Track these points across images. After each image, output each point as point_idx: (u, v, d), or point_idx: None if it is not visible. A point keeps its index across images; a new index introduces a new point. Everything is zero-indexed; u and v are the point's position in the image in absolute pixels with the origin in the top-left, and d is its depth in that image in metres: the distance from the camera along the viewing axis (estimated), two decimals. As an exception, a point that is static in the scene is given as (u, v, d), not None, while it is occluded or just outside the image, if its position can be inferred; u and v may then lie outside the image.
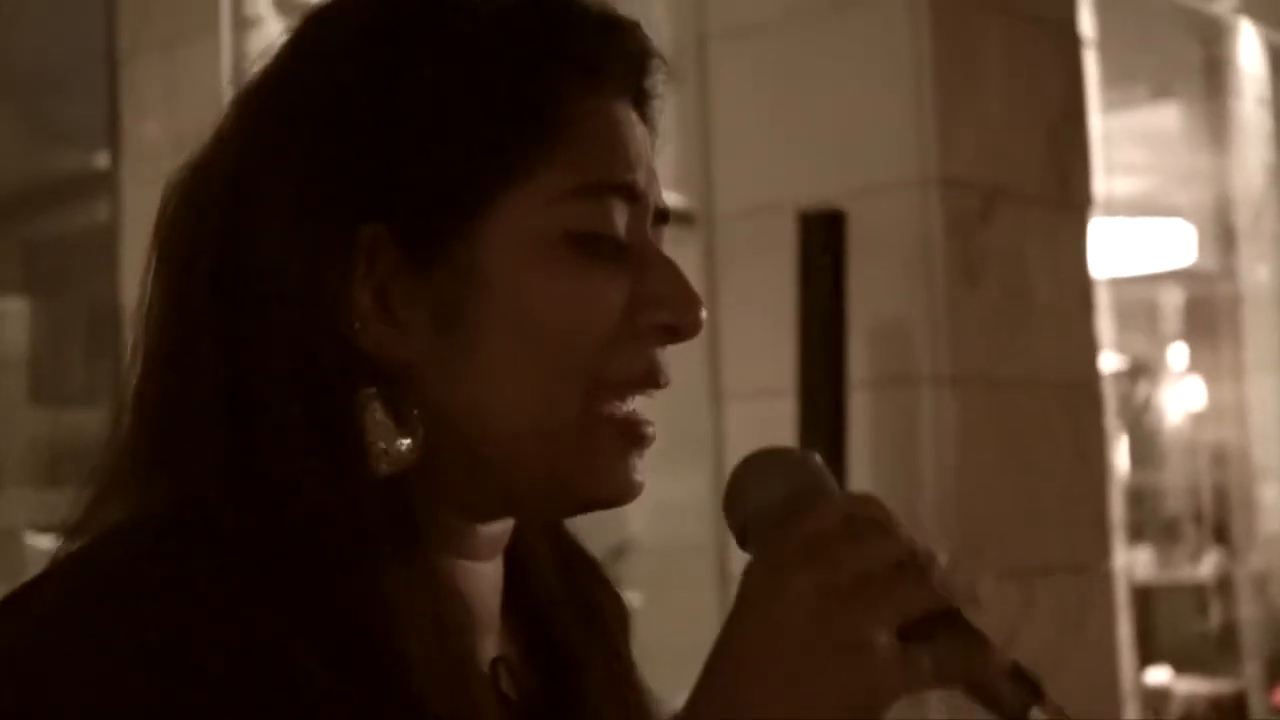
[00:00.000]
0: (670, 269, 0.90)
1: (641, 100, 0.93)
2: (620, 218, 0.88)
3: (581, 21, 0.90)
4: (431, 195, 0.85)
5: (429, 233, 0.85)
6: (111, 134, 4.18)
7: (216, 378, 0.84)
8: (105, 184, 4.26)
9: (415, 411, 0.85)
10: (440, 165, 0.85)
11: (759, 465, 0.85)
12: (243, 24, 3.79)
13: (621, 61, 0.91)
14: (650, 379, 0.89)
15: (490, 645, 0.92)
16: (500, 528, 0.93)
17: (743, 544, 0.83)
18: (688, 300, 0.89)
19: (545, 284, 0.86)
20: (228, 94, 3.71)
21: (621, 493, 0.89)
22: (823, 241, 3.30)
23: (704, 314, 0.89)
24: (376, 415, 0.83)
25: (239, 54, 3.82)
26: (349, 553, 0.80)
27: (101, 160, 4.31)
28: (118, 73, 4.15)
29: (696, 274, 3.64)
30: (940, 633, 0.76)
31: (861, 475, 3.24)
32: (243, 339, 0.84)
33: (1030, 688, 0.75)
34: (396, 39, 0.88)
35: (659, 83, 0.94)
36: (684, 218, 3.62)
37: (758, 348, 3.44)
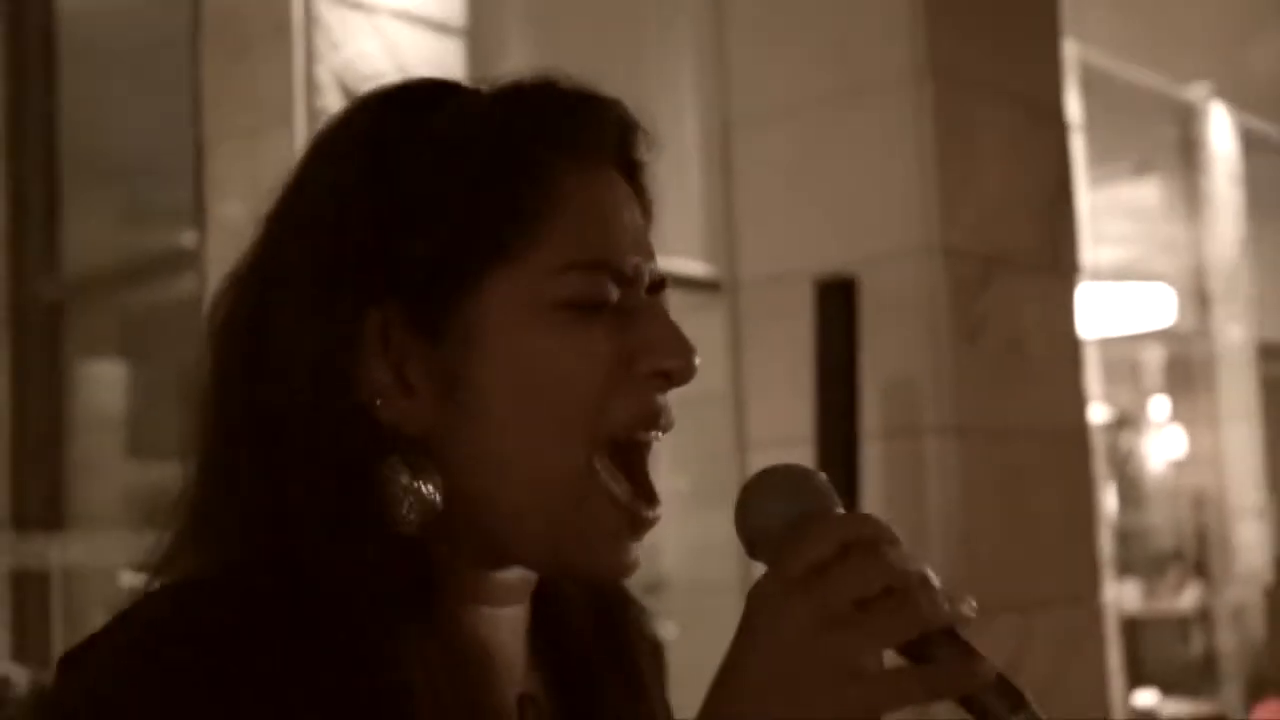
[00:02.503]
0: (661, 318, 0.88)
1: (630, 170, 0.91)
2: (610, 287, 0.86)
3: (563, 103, 0.89)
4: (429, 276, 0.84)
5: (431, 309, 0.85)
6: (197, 216, 4.21)
7: (252, 453, 0.84)
8: (192, 261, 4.28)
9: (435, 474, 0.84)
10: (435, 248, 0.85)
11: (768, 483, 0.83)
12: (315, 116, 3.81)
13: (605, 137, 0.90)
14: (650, 421, 0.87)
15: (516, 682, 0.90)
16: (519, 575, 0.91)
17: (752, 555, 0.82)
18: (680, 346, 0.86)
19: (537, 343, 0.85)
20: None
21: (616, 573, 0.88)
22: (837, 305, 3.29)
23: (697, 360, 0.87)
24: (402, 480, 0.83)
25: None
26: (369, 615, 0.80)
27: (189, 239, 4.33)
28: (203, 160, 4.18)
29: (723, 336, 3.65)
30: (933, 650, 0.75)
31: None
32: (273, 418, 0.84)
33: (1014, 698, 0.75)
34: (387, 141, 0.88)
35: (645, 153, 0.92)
36: (711, 285, 3.62)
37: (779, 401, 3.43)
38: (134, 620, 0.80)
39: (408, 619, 0.81)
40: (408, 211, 0.85)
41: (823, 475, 0.83)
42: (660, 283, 0.91)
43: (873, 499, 3.29)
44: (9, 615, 5.05)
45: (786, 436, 3.34)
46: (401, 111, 0.90)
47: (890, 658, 0.77)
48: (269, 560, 0.81)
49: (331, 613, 0.79)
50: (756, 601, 0.77)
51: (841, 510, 0.81)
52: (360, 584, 0.80)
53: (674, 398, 0.88)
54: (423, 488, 0.83)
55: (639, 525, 0.86)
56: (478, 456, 0.85)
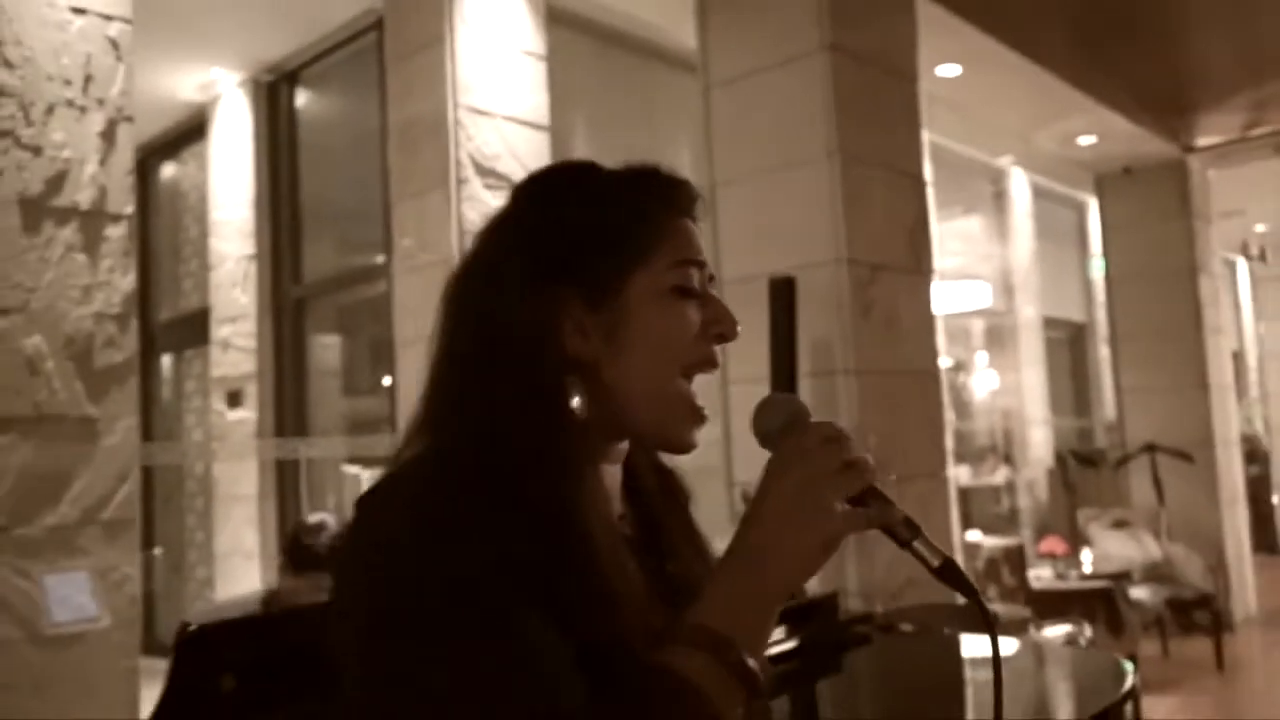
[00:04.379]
0: (721, 305, 0.90)
1: (695, 216, 0.93)
2: (695, 278, 0.88)
3: (664, 178, 0.91)
4: (598, 273, 0.86)
5: (598, 293, 0.86)
6: (385, 245, 4.24)
7: (478, 372, 0.84)
8: (382, 273, 4.31)
9: (594, 386, 0.85)
10: (601, 257, 0.86)
11: (771, 403, 0.84)
12: (459, 184, 3.84)
13: (685, 198, 0.92)
14: (713, 363, 0.89)
15: (617, 507, 0.91)
16: (622, 448, 0.91)
17: (762, 445, 0.82)
18: (731, 320, 0.89)
19: (658, 315, 0.86)
20: (451, 221, 3.77)
21: (688, 447, 0.89)
22: (783, 295, 3.31)
23: (739, 328, 0.89)
24: (576, 389, 0.84)
25: (457, 200, 3.87)
26: (557, 468, 0.80)
27: (380, 259, 4.37)
28: (389, 211, 4.20)
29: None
30: (869, 500, 0.77)
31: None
32: (502, 354, 0.84)
33: (915, 530, 0.77)
34: (570, 191, 0.90)
35: (702, 208, 0.94)
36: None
37: (747, 355, 3.45)
38: (407, 473, 0.80)
39: (578, 469, 0.82)
40: (585, 232, 0.87)
41: (802, 400, 0.84)
42: (712, 276, 0.93)
43: (805, 414, 3.32)
44: (274, 488, 5.12)
45: (752, 376, 3.37)
46: (575, 176, 0.92)
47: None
48: (484, 438, 0.80)
49: (531, 470, 0.79)
50: (768, 469, 0.78)
51: (814, 419, 0.83)
52: (552, 449, 0.80)
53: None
54: (586, 396, 0.84)
55: (700, 419, 0.88)
56: (619, 376, 0.85)
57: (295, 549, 3.00)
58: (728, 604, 0.74)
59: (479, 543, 0.73)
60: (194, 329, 5.66)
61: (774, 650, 2.14)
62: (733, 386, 3.65)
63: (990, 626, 0.77)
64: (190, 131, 5.79)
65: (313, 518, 3.18)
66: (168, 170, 6.22)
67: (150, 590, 5.44)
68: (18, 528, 3.03)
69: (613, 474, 0.91)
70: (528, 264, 0.86)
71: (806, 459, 0.77)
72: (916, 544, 0.77)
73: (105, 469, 3.21)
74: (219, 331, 5.40)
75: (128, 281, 3.38)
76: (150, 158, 6.01)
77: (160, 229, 6.15)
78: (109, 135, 3.38)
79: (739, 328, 0.89)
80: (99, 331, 3.26)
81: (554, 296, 0.85)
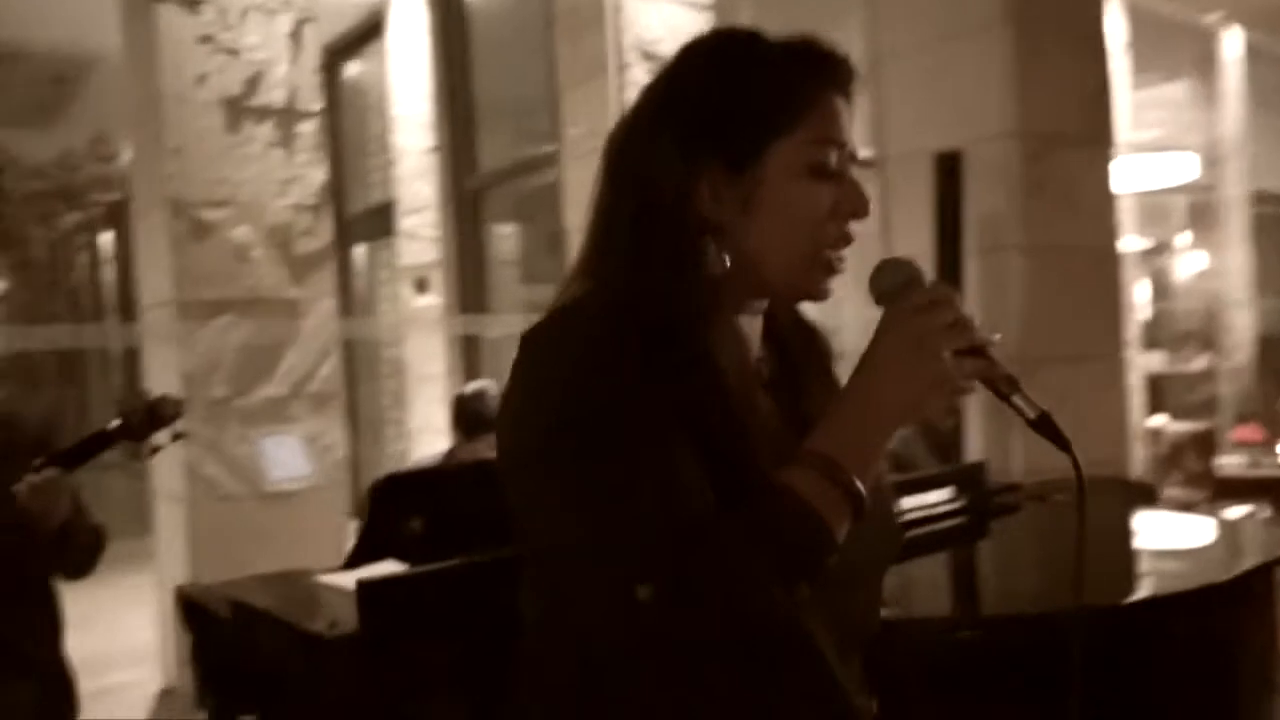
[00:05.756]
0: (857, 185, 0.91)
1: (848, 94, 0.92)
2: (834, 157, 0.89)
3: (821, 50, 0.92)
4: (740, 141, 0.89)
5: (738, 159, 0.89)
6: (554, 134, 4.39)
7: (631, 226, 0.90)
8: (552, 161, 4.47)
9: (729, 245, 0.89)
10: (745, 125, 0.89)
11: (890, 264, 0.88)
12: (620, 70, 3.92)
13: (839, 74, 0.92)
14: (845, 241, 0.91)
15: (755, 354, 0.97)
16: (762, 302, 0.96)
17: (879, 304, 0.86)
18: (863, 200, 0.91)
19: (793, 190, 0.89)
20: (615, 107, 3.91)
21: (819, 298, 0.93)
22: (949, 170, 3.29)
23: (871, 206, 0.91)
24: (711, 247, 0.89)
25: (620, 86, 3.97)
26: (694, 316, 0.87)
27: (550, 149, 4.52)
28: (557, 100, 4.33)
29: (876, 197, 3.64)
30: (975, 355, 0.82)
31: (973, 302, 3.23)
32: (649, 213, 0.89)
33: (1015, 385, 0.81)
34: (723, 58, 0.92)
35: (856, 84, 0.93)
36: (870, 163, 3.62)
37: (911, 233, 3.44)
38: (568, 312, 0.88)
39: (711, 319, 0.89)
40: (731, 99, 0.89)
41: (918, 263, 0.88)
42: (855, 157, 0.94)
43: (971, 295, 3.29)
44: (461, 364, 5.46)
45: (916, 254, 3.37)
46: (732, 43, 0.93)
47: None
48: (634, 287, 0.87)
49: (673, 316, 0.85)
50: (883, 321, 0.84)
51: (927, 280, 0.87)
52: (689, 299, 0.87)
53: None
54: (721, 255, 0.89)
55: (830, 270, 0.91)
56: (753, 241, 0.89)
57: (462, 415, 3.27)
58: (839, 433, 0.82)
59: (631, 377, 0.81)
60: (383, 220, 6.03)
61: (921, 509, 2.24)
62: (896, 265, 3.66)
63: (1079, 479, 0.83)
64: (370, 30, 6.08)
65: (470, 387, 3.46)
66: (351, 69, 6.57)
67: (355, 458, 5.97)
68: (238, 399, 3.44)
69: (752, 324, 0.96)
70: (674, 126, 0.89)
71: (918, 313, 0.82)
72: (1015, 398, 0.80)
73: (309, 346, 3.58)
74: (404, 222, 5.74)
75: (320, 174, 3.69)
76: (334, 58, 6.35)
77: (347, 126, 6.52)
78: (296, 36, 3.65)
79: (871, 206, 0.91)
80: (297, 221, 3.60)
81: (694, 160, 0.88)
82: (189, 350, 3.35)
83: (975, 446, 3.19)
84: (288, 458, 3.40)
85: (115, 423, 1.79)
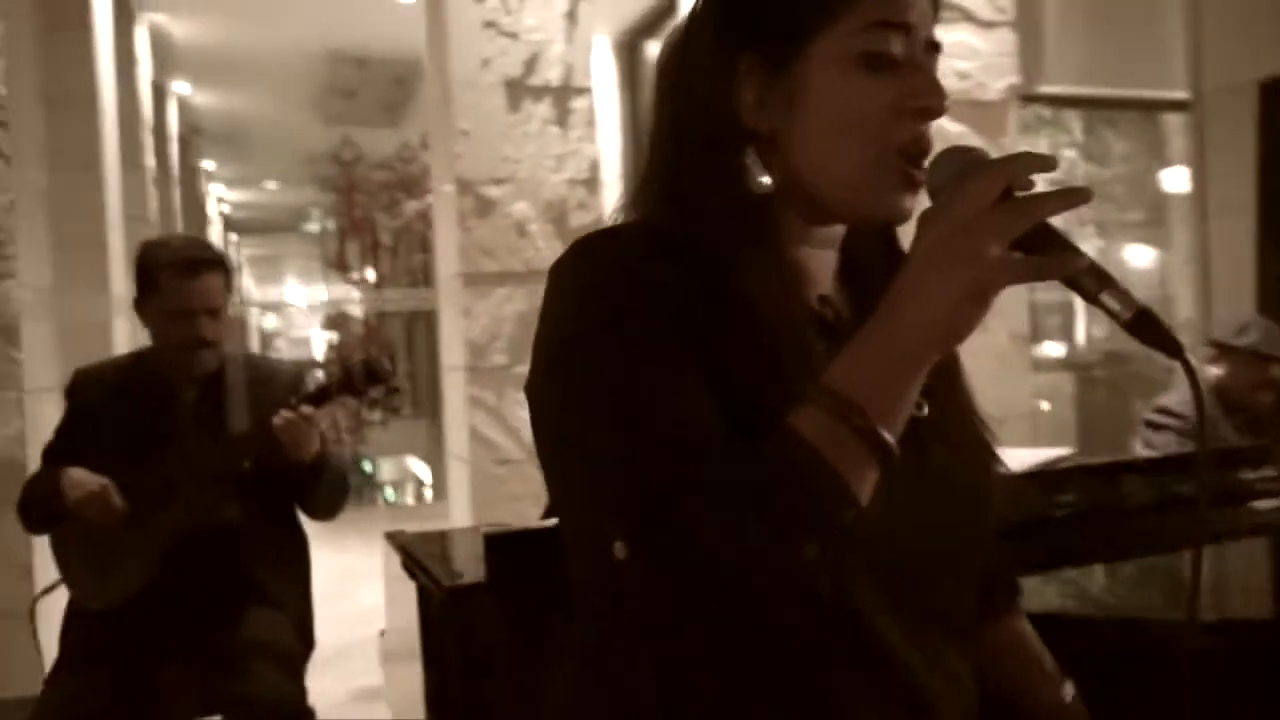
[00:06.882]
0: (927, 74, 0.79)
1: None
2: (896, 43, 0.78)
3: None
4: (782, 34, 0.80)
5: (781, 56, 0.80)
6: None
7: (674, 145, 0.84)
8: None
9: (776, 161, 0.82)
10: (786, 16, 0.80)
11: (949, 153, 0.75)
12: None
13: None
14: (916, 146, 0.79)
15: (819, 292, 0.87)
16: (831, 232, 0.86)
17: (931, 199, 0.74)
18: (936, 90, 0.79)
19: (844, 85, 0.79)
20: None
21: (895, 217, 0.82)
22: (1277, 102, 2.87)
23: (946, 99, 0.79)
24: (756, 165, 0.82)
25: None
26: (733, 242, 0.79)
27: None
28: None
29: (1190, 141, 3.25)
30: (1043, 246, 0.68)
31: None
32: (685, 126, 0.83)
33: (1105, 279, 0.67)
34: None
35: None
36: (1182, 105, 3.23)
37: (1231, 176, 3.04)
38: (596, 238, 0.82)
39: (754, 246, 0.80)
40: None
41: (982, 151, 0.73)
42: (935, 45, 0.81)
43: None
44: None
45: (1236, 202, 2.98)
46: None
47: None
48: (671, 211, 0.82)
49: (714, 240, 0.80)
50: (921, 220, 0.72)
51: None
52: (730, 222, 0.80)
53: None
54: (770, 171, 0.81)
55: (913, 184, 0.79)
56: (803, 151, 0.81)
57: None
58: (857, 365, 0.70)
59: (651, 303, 0.75)
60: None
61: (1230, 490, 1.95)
62: (1212, 221, 3.24)
63: (1194, 383, 0.68)
64: (665, 10, 6.20)
65: None
66: (650, 48, 6.75)
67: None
68: (516, 366, 3.66)
69: (819, 257, 0.87)
70: (715, 29, 0.83)
71: (958, 199, 0.68)
72: (1104, 296, 0.67)
73: (581, 318, 3.74)
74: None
75: (593, 149, 3.83)
76: (635, 38, 6.55)
77: (647, 105, 6.71)
78: (572, 15, 3.81)
79: (946, 99, 0.79)
80: (571, 195, 3.76)
81: (734, 64, 0.81)
82: (473, 320, 3.60)
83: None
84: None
85: (338, 376, 2.12)
